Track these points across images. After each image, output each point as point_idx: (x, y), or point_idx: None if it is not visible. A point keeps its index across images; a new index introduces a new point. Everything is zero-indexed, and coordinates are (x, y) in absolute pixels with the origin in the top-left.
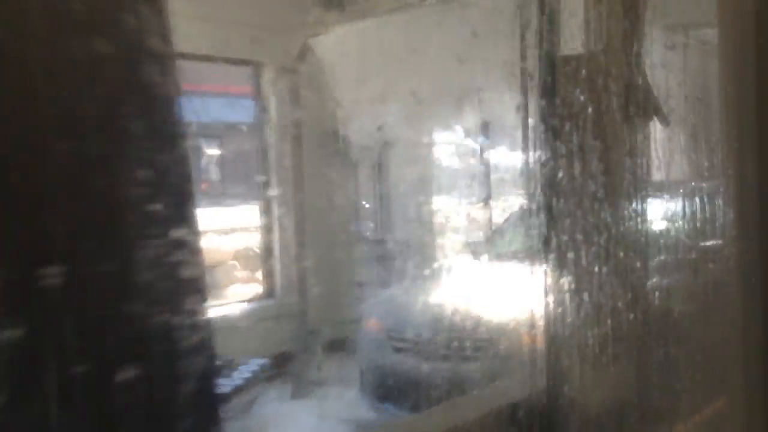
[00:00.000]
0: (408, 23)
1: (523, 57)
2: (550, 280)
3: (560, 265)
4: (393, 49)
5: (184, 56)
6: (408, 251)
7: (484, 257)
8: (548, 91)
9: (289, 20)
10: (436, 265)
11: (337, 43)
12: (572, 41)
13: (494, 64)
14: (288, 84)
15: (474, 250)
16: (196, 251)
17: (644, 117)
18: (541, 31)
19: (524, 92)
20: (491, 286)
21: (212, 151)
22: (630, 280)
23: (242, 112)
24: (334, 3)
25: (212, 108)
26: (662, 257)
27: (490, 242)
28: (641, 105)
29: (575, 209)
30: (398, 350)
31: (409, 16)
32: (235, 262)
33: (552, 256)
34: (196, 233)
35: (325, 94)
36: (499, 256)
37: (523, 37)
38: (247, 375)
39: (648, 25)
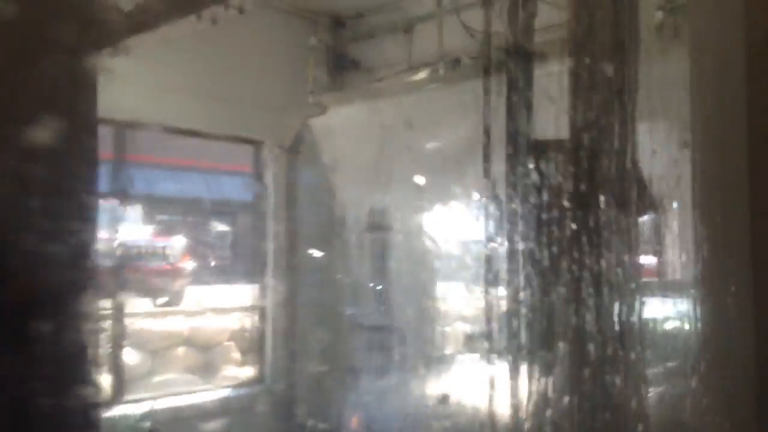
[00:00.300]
0: (409, 106)
1: (507, 141)
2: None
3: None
4: (393, 131)
5: (182, 132)
6: (405, 340)
7: (482, 351)
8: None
9: (288, 100)
10: (433, 356)
11: (335, 125)
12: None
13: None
14: (286, 164)
15: (471, 342)
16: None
17: (640, 209)
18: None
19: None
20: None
21: (219, 228)
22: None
23: (245, 191)
24: (334, 85)
25: (222, 186)
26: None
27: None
28: (637, 197)
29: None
30: None
31: (410, 99)
32: (231, 343)
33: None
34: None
35: (323, 175)
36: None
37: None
38: None
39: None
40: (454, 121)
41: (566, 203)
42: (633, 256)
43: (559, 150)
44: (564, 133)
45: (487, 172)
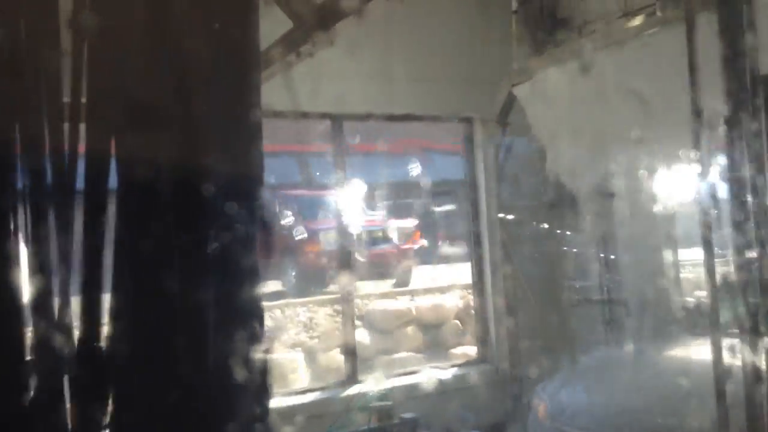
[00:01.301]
0: (620, 59)
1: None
2: None
3: None
4: (604, 89)
5: (399, 117)
6: (637, 315)
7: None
8: None
9: (493, 71)
10: (667, 333)
11: (542, 90)
12: None
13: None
14: (495, 136)
15: (693, 319)
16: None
17: None
18: None
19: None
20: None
21: (440, 208)
22: None
23: (460, 169)
24: (541, 47)
25: (439, 166)
26: None
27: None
28: None
29: None
30: None
31: (620, 52)
32: (457, 322)
33: None
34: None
35: (535, 143)
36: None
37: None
38: None
39: None
40: (677, 68)
41: None
42: None
43: None
44: None
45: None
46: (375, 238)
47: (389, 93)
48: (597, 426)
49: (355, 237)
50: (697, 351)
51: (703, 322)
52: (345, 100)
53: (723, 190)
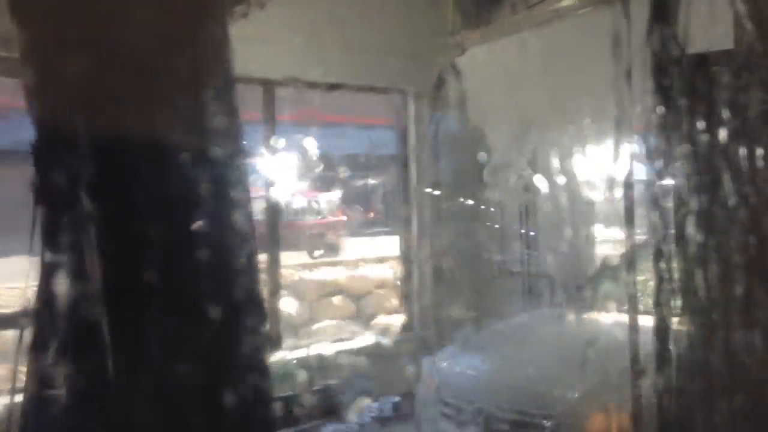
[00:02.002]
0: (553, 37)
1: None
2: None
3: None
4: (538, 67)
5: (330, 86)
6: (554, 286)
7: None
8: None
9: (428, 44)
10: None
11: (477, 65)
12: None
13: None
14: (428, 110)
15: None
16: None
17: None
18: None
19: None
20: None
21: (369, 181)
22: None
23: (391, 142)
24: (475, 23)
25: (369, 138)
26: None
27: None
28: None
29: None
30: (453, 421)
31: (552, 30)
32: (382, 292)
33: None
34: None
35: (467, 118)
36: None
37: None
38: (368, 419)
39: None
40: (604, 48)
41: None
42: None
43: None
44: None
45: (638, 102)
46: (303, 209)
47: (322, 62)
48: (482, 396)
49: (282, 207)
50: (597, 323)
51: (602, 296)
52: (275, 66)
53: (647, 169)
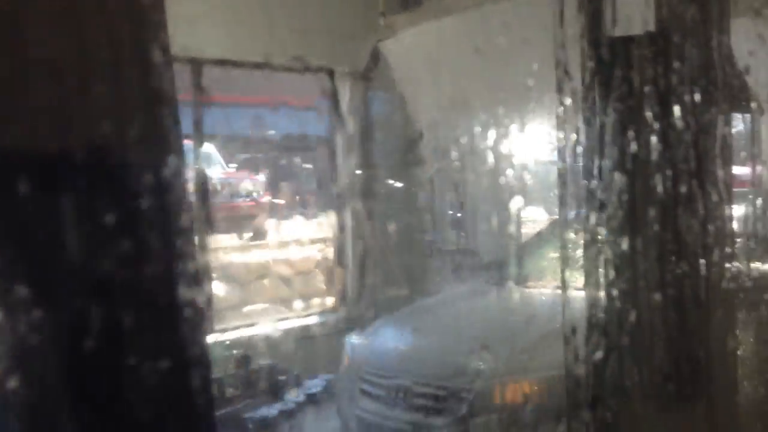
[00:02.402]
0: (482, 21)
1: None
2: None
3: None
4: (467, 50)
5: (258, 65)
6: (482, 263)
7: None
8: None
9: (359, 25)
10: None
11: (408, 46)
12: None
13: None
14: (359, 91)
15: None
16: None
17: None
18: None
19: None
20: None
21: (299, 163)
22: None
23: (321, 123)
24: (405, 4)
25: (298, 119)
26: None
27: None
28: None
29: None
30: (372, 398)
31: (482, 14)
32: (314, 273)
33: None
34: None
35: (398, 100)
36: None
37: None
38: (301, 398)
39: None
40: (527, 34)
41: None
42: None
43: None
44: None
45: (561, 83)
46: (231, 191)
47: (250, 40)
48: (402, 372)
49: (210, 189)
50: (519, 296)
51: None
52: (203, 46)
53: (575, 151)
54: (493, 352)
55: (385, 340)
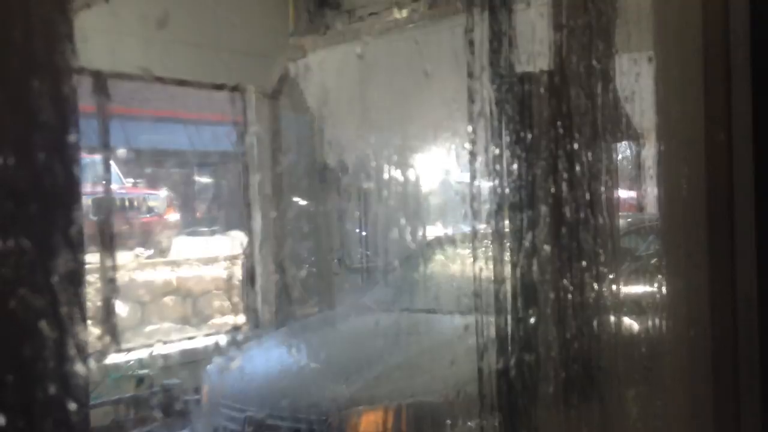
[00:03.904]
0: (390, 46)
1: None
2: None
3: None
4: (375, 74)
5: (164, 81)
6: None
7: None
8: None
9: (269, 44)
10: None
11: (317, 68)
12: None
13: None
14: (269, 109)
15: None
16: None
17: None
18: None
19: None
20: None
21: (204, 179)
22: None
23: (229, 140)
24: (315, 27)
25: (205, 136)
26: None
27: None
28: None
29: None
30: None
31: (390, 40)
32: (219, 291)
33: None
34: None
35: (307, 119)
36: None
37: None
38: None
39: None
40: (436, 60)
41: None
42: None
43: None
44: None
45: (470, 112)
46: (132, 207)
47: (159, 56)
48: (256, 402)
49: (111, 205)
50: (389, 320)
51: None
52: (110, 58)
53: (471, 171)
54: (353, 381)
55: (247, 366)
